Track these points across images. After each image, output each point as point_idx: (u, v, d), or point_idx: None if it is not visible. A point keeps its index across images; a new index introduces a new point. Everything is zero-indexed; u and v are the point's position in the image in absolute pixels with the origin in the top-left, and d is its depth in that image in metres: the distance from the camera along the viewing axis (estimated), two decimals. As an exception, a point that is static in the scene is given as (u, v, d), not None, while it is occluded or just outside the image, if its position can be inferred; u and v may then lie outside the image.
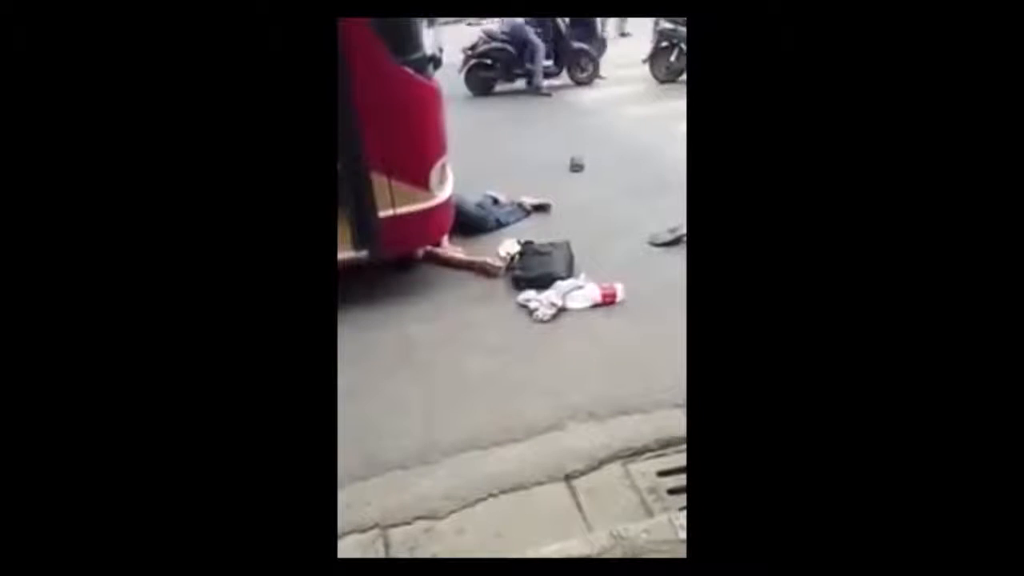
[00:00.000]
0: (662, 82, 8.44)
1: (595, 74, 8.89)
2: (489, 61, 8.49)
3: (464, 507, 2.15)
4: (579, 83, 8.83)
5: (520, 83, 8.71)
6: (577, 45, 8.65)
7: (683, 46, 8.34)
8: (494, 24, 8.96)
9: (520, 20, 8.28)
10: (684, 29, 8.23)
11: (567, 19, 8.49)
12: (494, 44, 8.42)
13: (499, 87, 8.69)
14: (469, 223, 4.27)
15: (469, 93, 8.53)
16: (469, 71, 8.52)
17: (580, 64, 8.82)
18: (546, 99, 8.33)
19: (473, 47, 8.51)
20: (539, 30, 8.37)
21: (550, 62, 8.61)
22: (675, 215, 4.28)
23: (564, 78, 8.85)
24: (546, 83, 8.58)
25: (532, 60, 8.39)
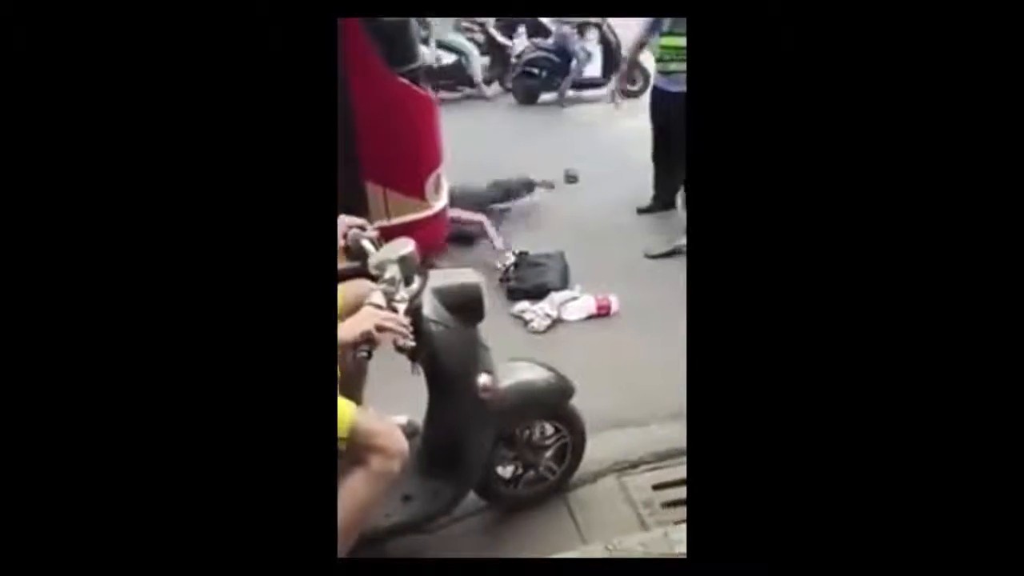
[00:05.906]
0: None
1: (645, 87, 8.29)
2: (535, 70, 8.38)
3: (457, 520, 2.12)
4: (629, 95, 7.81)
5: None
6: (628, 55, 8.26)
7: None
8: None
9: (566, 30, 8.21)
10: None
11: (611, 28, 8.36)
12: (539, 53, 8.34)
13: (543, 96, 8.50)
14: (481, 200, 4.43)
15: (513, 101, 8.45)
16: (515, 79, 8.44)
17: (631, 75, 8.33)
18: (557, 109, 8.20)
19: (519, 55, 8.45)
20: (588, 39, 8.26)
21: (596, 72, 8.45)
22: (669, 226, 4.29)
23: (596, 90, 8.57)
24: (592, 92, 8.37)
25: (568, 71, 8.25)
